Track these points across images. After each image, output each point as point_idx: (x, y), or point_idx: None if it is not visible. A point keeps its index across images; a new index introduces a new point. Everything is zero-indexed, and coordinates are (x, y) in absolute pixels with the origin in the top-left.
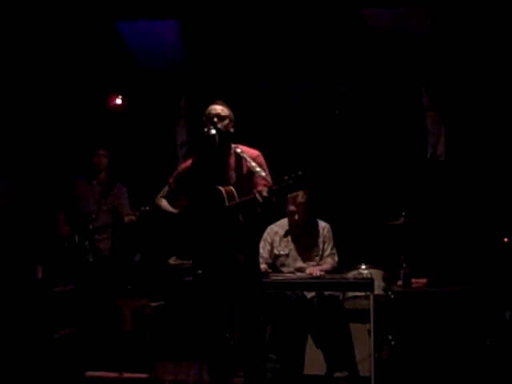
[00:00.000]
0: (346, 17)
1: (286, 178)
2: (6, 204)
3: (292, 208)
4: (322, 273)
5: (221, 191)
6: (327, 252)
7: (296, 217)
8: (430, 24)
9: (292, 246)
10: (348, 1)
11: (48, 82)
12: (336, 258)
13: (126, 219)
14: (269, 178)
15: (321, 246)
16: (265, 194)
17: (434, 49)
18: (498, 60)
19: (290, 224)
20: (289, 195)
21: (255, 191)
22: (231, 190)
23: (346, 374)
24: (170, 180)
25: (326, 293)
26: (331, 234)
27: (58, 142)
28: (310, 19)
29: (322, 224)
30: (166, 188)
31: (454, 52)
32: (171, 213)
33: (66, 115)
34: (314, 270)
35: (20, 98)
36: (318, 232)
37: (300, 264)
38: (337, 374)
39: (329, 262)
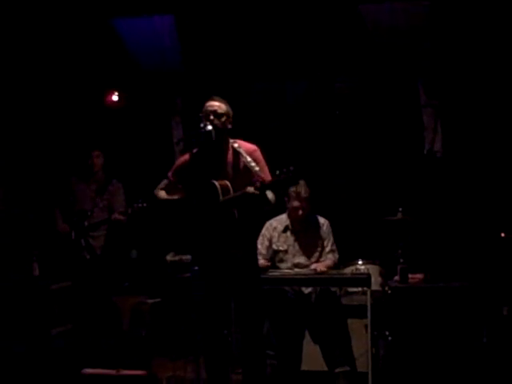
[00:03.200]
0: (343, 12)
1: (277, 172)
2: (2, 202)
3: (296, 203)
4: (326, 269)
5: (215, 186)
6: (328, 248)
7: (300, 212)
8: (428, 20)
9: (291, 241)
10: None
11: (44, 81)
12: (336, 255)
13: (112, 217)
14: (264, 174)
15: (320, 242)
16: (256, 189)
17: (432, 45)
18: (495, 56)
19: (291, 219)
20: (292, 191)
21: (247, 187)
22: (226, 184)
23: (346, 369)
24: (169, 173)
25: (324, 288)
26: (331, 230)
27: (54, 140)
28: (307, 15)
29: (321, 220)
30: (165, 181)
31: (451, 48)
32: (171, 200)
33: (62, 113)
34: (318, 266)
35: (16, 96)
36: (317, 228)
37: (299, 260)
38: (338, 370)
39: (330, 259)
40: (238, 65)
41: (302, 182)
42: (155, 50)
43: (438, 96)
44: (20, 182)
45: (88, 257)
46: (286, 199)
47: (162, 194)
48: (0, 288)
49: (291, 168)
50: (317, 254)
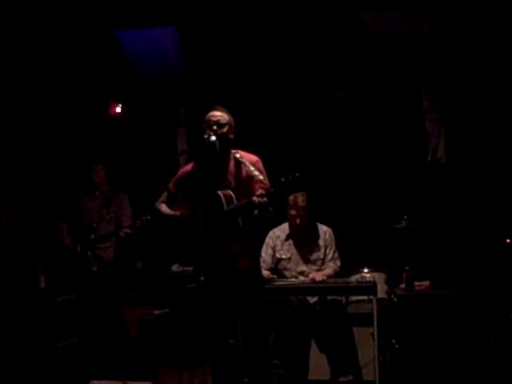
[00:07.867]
0: (345, 21)
1: (282, 179)
2: (10, 215)
3: (293, 212)
4: (324, 277)
5: (219, 196)
6: (329, 256)
7: (297, 221)
8: (429, 27)
9: (293, 249)
10: (347, 5)
11: (47, 92)
12: (338, 263)
13: (122, 234)
14: (267, 183)
15: (322, 250)
16: (262, 197)
17: (434, 51)
18: (498, 62)
19: (291, 228)
20: (290, 199)
21: (253, 196)
22: (230, 194)
23: (350, 378)
24: (170, 185)
25: (329, 297)
26: (333, 239)
27: (59, 153)
28: (309, 24)
29: (323, 228)
30: (166, 193)
31: (453, 54)
32: (173, 216)
33: (65, 126)
34: (316, 275)
35: (20, 110)
36: (319, 236)
37: (302, 268)
38: (342, 379)
39: (331, 267)
40: (241, 73)
41: (300, 192)
42: (158, 59)
43: (441, 102)
44: (26, 194)
45: (95, 269)
46: (286, 208)
47: (163, 207)
48: (7, 301)
49: (297, 174)
50: (319, 262)
